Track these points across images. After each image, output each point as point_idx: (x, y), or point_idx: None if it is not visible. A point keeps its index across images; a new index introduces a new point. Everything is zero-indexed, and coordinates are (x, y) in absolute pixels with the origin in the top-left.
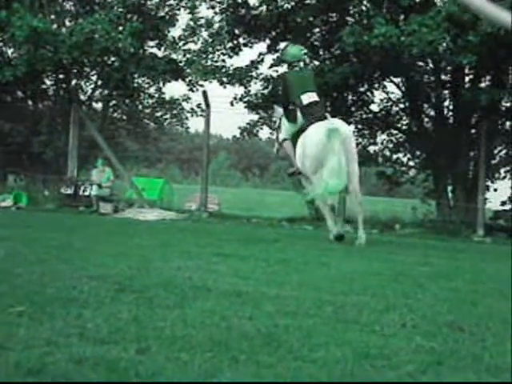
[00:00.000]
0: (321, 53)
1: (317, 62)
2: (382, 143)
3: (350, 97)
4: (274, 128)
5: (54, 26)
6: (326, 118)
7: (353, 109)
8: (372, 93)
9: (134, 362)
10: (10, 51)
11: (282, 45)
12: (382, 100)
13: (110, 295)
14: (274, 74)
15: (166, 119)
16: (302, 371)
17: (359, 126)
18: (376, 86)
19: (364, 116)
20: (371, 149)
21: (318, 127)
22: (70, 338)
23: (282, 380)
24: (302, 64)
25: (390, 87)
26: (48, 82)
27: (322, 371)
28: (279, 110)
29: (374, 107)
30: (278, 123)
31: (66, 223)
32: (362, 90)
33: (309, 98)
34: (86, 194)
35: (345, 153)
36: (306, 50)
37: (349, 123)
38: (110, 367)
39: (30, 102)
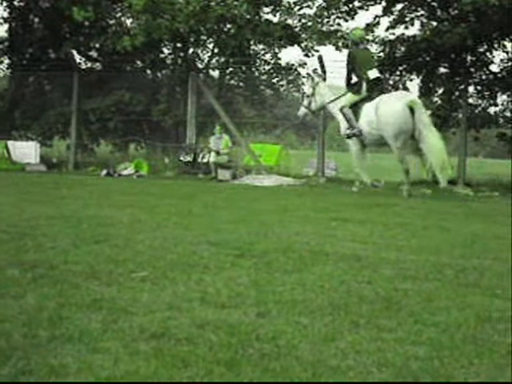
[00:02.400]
0: (438, 13)
1: (434, 23)
2: (502, 104)
3: (468, 57)
4: (304, 94)
5: None
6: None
7: (472, 70)
8: (491, 53)
9: (255, 326)
10: (128, 21)
11: (399, 6)
12: (502, 60)
13: (230, 260)
14: (391, 37)
15: (282, 85)
16: (423, 335)
17: (478, 88)
18: (495, 46)
19: (484, 77)
20: (491, 110)
21: (397, 98)
22: (192, 302)
23: (402, 344)
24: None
25: (511, 47)
26: (166, 51)
27: (444, 335)
28: (316, 81)
29: (494, 68)
30: (312, 91)
31: (185, 190)
32: (481, 50)
33: (374, 73)
34: (205, 161)
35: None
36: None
37: (468, 84)
38: (231, 331)
39: (148, 71)
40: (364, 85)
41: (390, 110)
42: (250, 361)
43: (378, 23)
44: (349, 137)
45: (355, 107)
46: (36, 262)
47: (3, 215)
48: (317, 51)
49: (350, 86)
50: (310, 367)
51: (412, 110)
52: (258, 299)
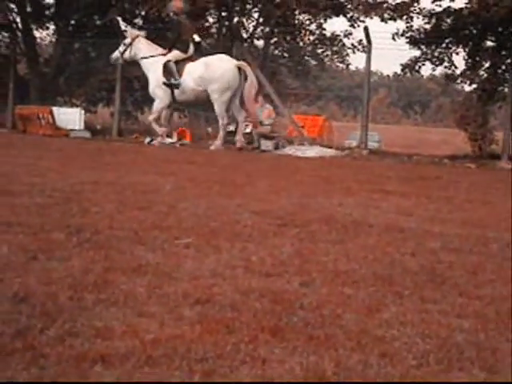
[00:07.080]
0: None
1: None
2: None
3: None
4: (125, 44)
5: None
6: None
7: None
8: None
9: (298, 295)
10: None
11: None
12: None
13: (273, 229)
14: (438, 9)
15: (326, 56)
16: (468, 307)
17: None
18: None
19: None
20: None
21: (226, 60)
22: (236, 269)
23: (446, 316)
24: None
25: None
26: (211, 20)
27: (489, 308)
28: (137, 34)
29: None
30: (130, 42)
31: (228, 159)
32: None
33: (198, 37)
34: (248, 131)
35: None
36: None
37: None
38: (275, 299)
39: None
40: (191, 46)
41: (221, 67)
42: (294, 328)
43: None
44: (169, 85)
45: (176, 66)
46: (81, 227)
47: (49, 180)
48: (363, 22)
49: (178, 48)
50: (355, 336)
51: (240, 71)
52: (301, 268)
